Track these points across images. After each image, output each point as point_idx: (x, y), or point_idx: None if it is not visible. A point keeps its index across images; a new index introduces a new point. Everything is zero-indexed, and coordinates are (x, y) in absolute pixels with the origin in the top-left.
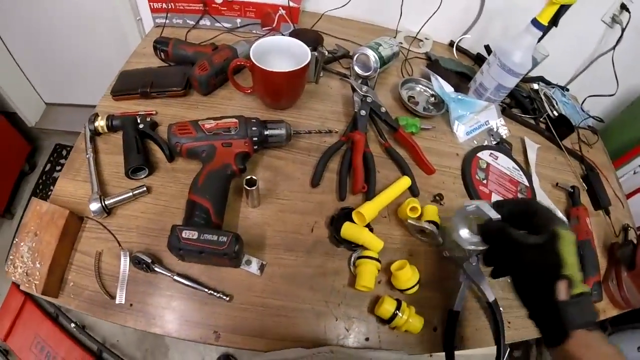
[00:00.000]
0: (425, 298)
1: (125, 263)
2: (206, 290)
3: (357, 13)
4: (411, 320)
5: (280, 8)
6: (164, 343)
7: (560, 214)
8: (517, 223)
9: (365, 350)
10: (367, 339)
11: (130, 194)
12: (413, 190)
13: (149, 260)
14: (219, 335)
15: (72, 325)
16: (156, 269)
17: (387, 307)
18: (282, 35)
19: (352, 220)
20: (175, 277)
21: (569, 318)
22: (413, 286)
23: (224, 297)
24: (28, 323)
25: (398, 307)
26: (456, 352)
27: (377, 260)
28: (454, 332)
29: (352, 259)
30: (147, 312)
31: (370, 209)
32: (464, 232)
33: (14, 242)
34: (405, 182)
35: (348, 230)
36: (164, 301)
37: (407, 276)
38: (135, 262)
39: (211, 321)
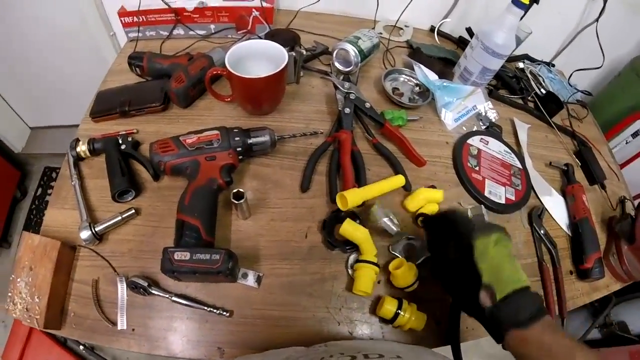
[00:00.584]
0: (426, 293)
1: (122, 289)
2: (205, 308)
3: (334, 7)
4: (414, 318)
5: (254, 10)
6: None
7: (555, 192)
8: (446, 236)
9: (361, 341)
10: (373, 343)
11: (119, 218)
12: (406, 188)
13: (145, 284)
14: (223, 352)
15: (81, 347)
16: (153, 291)
17: (389, 307)
18: (258, 37)
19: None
20: (173, 298)
21: (499, 321)
22: (412, 284)
23: (224, 313)
24: (37, 350)
25: (399, 306)
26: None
27: (376, 264)
28: (458, 325)
29: (349, 262)
30: (150, 335)
31: (353, 194)
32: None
33: (11, 278)
34: (398, 180)
35: (346, 227)
36: (165, 323)
37: (405, 274)
38: (132, 286)
39: (214, 338)
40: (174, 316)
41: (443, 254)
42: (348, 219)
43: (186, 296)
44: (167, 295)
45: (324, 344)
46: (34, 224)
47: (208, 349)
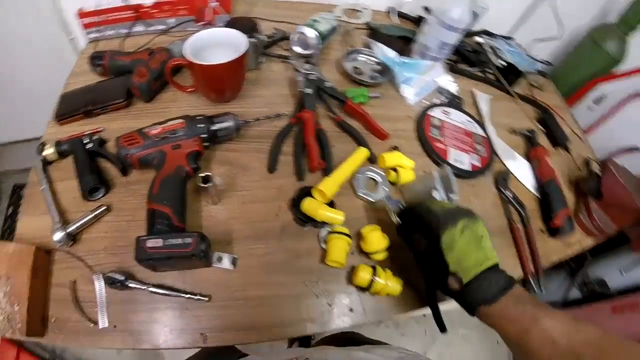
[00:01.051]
0: (399, 260)
1: (100, 286)
2: (184, 295)
3: None
4: (390, 283)
5: (212, 1)
6: (161, 354)
7: (518, 156)
8: (416, 229)
9: (348, 349)
10: (351, 310)
11: (91, 215)
12: (372, 160)
13: (122, 278)
14: (206, 337)
15: None
16: (130, 284)
17: (363, 274)
18: (217, 27)
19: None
20: (151, 289)
21: (467, 301)
22: (383, 250)
23: (203, 298)
24: None
25: (374, 273)
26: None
27: (348, 235)
28: (434, 288)
29: (322, 236)
30: (132, 330)
31: (329, 185)
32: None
33: None
34: (362, 153)
35: (307, 206)
36: (146, 315)
37: (377, 238)
38: (110, 282)
39: (195, 325)
40: (154, 308)
41: (414, 245)
42: (308, 198)
43: (164, 286)
44: (145, 287)
45: (322, 347)
46: (3, 241)
47: (191, 336)
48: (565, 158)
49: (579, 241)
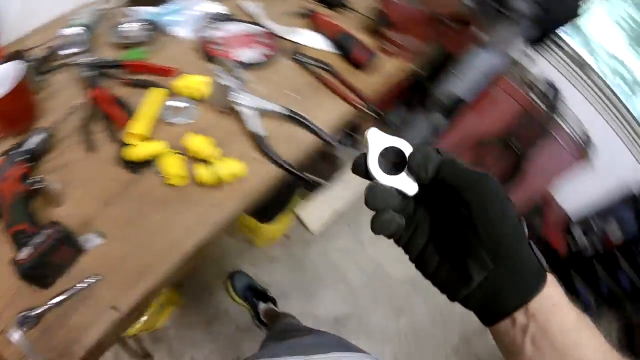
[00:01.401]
0: (233, 149)
1: (18, 337)
2: (80, 285)
3: (52, 12)
4: (230, 165)
5: None
6: None
7: (302, 29)
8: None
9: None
10: (221, 205)
11: None
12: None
13: (25, 312)
14: (117, 307)
15: None
16: (36, 312)
17: (202, 170)
18: None
19: None
20: (52, 302)
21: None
22: (209, 147)
23: (97, 277)
24: None
25: (212, 166)
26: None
27: (177, 153)
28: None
29: (156, 170)
30: (63, 350)
31: (135, 125)
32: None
33: None
34: (154, 91)
35: (128, 153)
36: (64, 330)
37: (198, 139)
38: (21, 325)
39: (104, 305)
40: (66, 318)
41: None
42: (125, 146)
43: (61, 292)
44: (48, 305)
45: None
46: None
47: (108, 316)
48: (354, 17)
49: (397, 67)
